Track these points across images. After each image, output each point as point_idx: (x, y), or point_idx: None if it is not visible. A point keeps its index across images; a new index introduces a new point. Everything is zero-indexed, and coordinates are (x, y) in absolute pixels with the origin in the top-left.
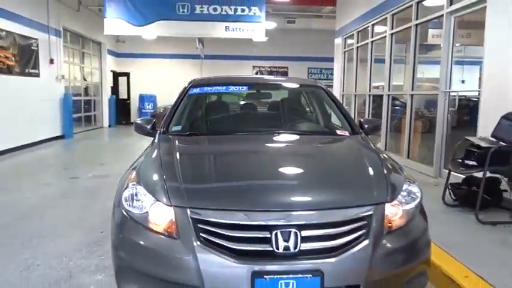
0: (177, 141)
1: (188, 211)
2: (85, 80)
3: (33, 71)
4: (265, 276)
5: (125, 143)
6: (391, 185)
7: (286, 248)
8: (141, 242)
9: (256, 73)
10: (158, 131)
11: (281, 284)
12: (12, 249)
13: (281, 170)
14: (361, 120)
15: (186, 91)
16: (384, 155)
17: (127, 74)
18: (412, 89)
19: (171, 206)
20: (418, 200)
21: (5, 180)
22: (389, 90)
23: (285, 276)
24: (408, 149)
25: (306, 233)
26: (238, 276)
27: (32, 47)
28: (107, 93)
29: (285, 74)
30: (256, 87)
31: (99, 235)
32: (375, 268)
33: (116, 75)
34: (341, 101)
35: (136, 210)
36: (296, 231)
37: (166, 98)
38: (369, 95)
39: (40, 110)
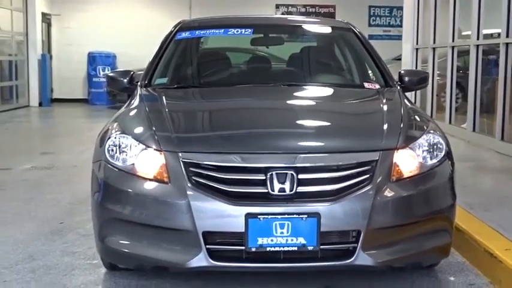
0: (163, 95)
1: (180, 155)
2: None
3: None
4: (259, 217)
5: (68, 127)
6: (404, 134)
7: (282, 190)
8: (130, 190)
9: (283, 14)
10: (139, 85)
11: (275, 224)
12: None
13: (281, 115)
14: (401, 71)
15: (173, 35)
16: (413, 108)
17: (46, 16)
18: (507, 36)
19: (161, 151)
20: (442, 153)
21: None
22: (478, 39)
23: (279, 217)
24: (502, 126)
25: (303, 176)
26: (232, 217)
27: None
28: (35, 50)
29: (330, 17)
30: (264, 31)
31: (58, 226)
32: (377, 215)
33: (50, 22)
34: (414, 59)
35: (121, 162)
36: (293, 173)
37: (134, 58)
38: (452, 48)
39: None
